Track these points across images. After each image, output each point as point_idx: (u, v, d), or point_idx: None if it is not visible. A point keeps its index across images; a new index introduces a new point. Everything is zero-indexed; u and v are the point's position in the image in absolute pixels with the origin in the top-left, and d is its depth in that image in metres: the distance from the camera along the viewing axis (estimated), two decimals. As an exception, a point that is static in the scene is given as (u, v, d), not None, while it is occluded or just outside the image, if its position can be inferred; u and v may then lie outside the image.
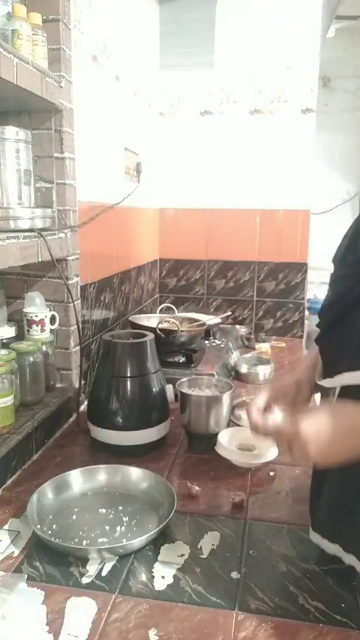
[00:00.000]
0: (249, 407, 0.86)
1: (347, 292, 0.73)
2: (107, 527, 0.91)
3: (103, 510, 0.96)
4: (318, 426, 0.69)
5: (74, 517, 0.94)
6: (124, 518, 0.93)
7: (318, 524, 0.82)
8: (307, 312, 2.35)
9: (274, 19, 2.10)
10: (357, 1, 2.87)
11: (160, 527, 0.87)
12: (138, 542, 0.84)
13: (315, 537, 0.83)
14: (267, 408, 0.87)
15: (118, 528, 0.91)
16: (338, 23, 3.34)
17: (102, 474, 1.06)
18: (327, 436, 0.68)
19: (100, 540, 0.87)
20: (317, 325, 0.81)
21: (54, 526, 0.91)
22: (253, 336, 2.18)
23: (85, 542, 0.87)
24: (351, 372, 0.70)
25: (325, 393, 0.79)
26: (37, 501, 0.94)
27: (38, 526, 0.88)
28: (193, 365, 1.59)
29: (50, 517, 0.94)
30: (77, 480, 1.03)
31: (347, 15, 3.14)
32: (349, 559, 0.76)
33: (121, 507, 0.97)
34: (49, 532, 0.89)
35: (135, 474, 1.04)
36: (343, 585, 0.77)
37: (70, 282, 1.33)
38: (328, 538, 0.80)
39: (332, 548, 0.79)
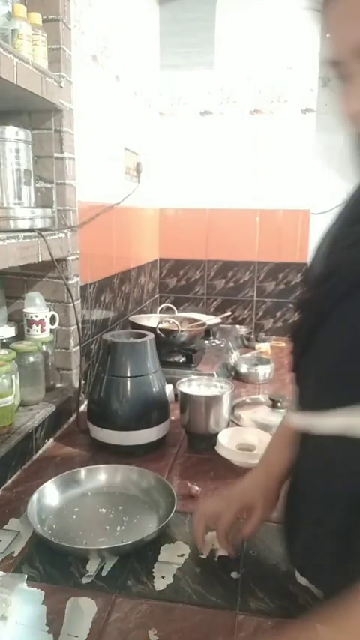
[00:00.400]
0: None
1: (311, 317, 0.64)
2: (107, 527, 0.91)
3: (103, 510, 0.96)
4: None
5: (74, 517, 0.94)
6: (124, 518, 0.93)
7: (300, 566, 0.74)
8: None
9: (274, 19, 2.10)
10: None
11: (160, 527, 0.87)
12: (137, 542, 0.84)
13: (303, 581, 0.75)
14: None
15: (118, 528, 0.91)
16: (338, 23, 3.34)
17: (102, 474, 1.06)
18: None
19: (100, 540, 0.87)
20: (290, 353, 0.72)
21: (54, 526, 0.91)
22: (253, 336, 2.18)
23: (84, 541, 0.87)
24: (310, 413, 0.63)
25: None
26: (37, 501, 0.94)
27: (38, 526, 0.88)
28: (193, 365, 1.59)
29: (50, 517, 0.94)
30: (77, 479, 1.03)
31: (347, 15, 3.13)
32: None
33: (121, 507, 0.97)
34: (50, 532, 0.89)
35: (135, 473, 1.04)
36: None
37: (70, 282, 1.33)
38: (313, 583, 0.72)
39: (320, 593, 0.71)
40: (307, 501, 0.68)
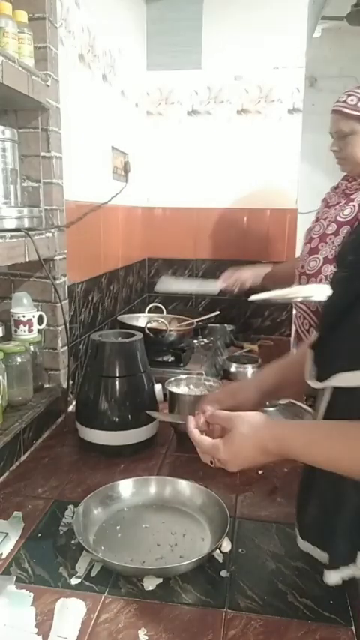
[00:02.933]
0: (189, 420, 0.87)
1: (345, 294, 0.72)
2: (158, 544, 0.87)
3: (147, 525, 0.92)
4: (235, 450, 0.76)
5: (119, 535, 0.90)
6: (172, 533, 0.90)
7: (306, 533, 0.79)
8: (294, 311, 2.36)
9: (261, 19, 2.11)
10: (342, 2, 2.90)
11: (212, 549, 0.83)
12: (198, 560, 0.80)
13: (304, 545, 0.79)
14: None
15: (170, 544, 0.87)
16: (324, 24, 3.37)
17: (152, 486, 1.01)
18: (243, 459, 0.77)
19: (157, 558, 0.83)
20: (317, 329, 0.80)
21: (102, 546, 0.86)
22: (241, 335, 2.18)
23: (131, 559, 0.83)
24: (344, 373, 0.69)
25: (319, 395, 0.79)
26: (82, 513, 0.90)
27: (83, 538, 0.84)
28: (181, 364, 1.59)
29: (96, 529, 0.90)
30: (122, 491, 0.99)
31: (333, 16, 3.16)
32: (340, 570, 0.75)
33: (163, 522, 0.93)
34: (102, 550, 0.85)
35: (187, 488, 1.00)
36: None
37: (57, 281, 1.33)
38: (318, 546, 0.77)
39: (324, 556, 0.76)
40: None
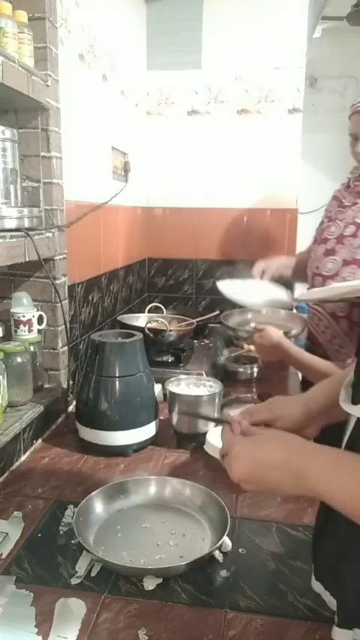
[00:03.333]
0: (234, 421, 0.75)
1: None
2: (159, 544, 0.87)
3: (147, 525, 0.92)
4: (254, 450, 0.65)
5: (119, 535, 0.90)
6: (172, 533, 0.89)
7: (320, 574, 0.72)
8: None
9: (261, 19, 2.11)
10: (342, 2, 2.90)
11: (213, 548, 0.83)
12: (197, 560, 0.80)
13: (316, 586, 0.72)
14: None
15: (170, 544, 0.87)
16: (324, 24, 3.37)
17: (152, 486, 1.01)
18: (252, 461, 0.65)
19: (157, 557, 0.83)
20: (356, 353, 0.70)
21: (103, 546, 0.86)
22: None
23: (131, 559, 0.83)
24: None
25: (348, 422, 0.69)
26: (83, 513, 0.90)
27: (92, 544, 0.85)
28: (181, 364, 1.59)
29: (96, 529, 0.90)
30: (122, 491, 0.99)
31: (333, 15, 3.16)
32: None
33: (163, 522, 0.93)
34: (102, 549, 0.85)
35: (187, 488, 0.99)
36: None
37: (57, 281, 1.33)
38: (330, 592, 0.69)
39: (333, 602, 0.68)
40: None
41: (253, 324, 1.59)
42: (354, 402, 0.65)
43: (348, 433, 0.67)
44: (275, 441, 0.66)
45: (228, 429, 0.73)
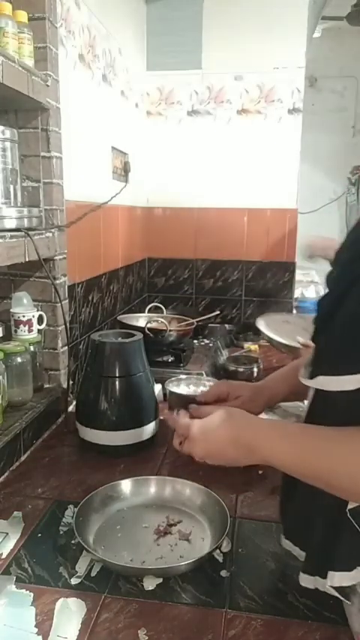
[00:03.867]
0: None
1: (336, 292, 0.70)
2: (158, 544, 0.87)
3: (147, 525, 0.92)
4: (207, 431, 0.76)
5: (119, 535, 0.89)
6: (172, 533, 0.89)
7: (288, 532, 0.78)
8: (294, 311, 2.36)
9: (261, 19, 2.11)
10: (342, 2, 2.90)
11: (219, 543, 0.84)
12: (197, 561, 0.80)
13: (286, 544, 0.78)
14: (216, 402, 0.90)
15: (169, 544, 0.87)
16: (324, 24, 3.37)
17: (152, 486, 1.00)
18: (210, 441, 0.75)
19: (156, 558, 0.83)
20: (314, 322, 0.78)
21: (103, 546, 0.87)
22: (241, 335, 2.18)
23: (131, 559, 0.83)
24: (323, 377, 0.67)
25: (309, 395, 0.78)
26: (82, 514, 0.89)
27: (91, 544, 0.84)
28: (181, 364, 1.59)
29: (96, 528, 0.90)
30: (122, 491, 0.99)
31: (333, 16, 3.16)
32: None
33: (164, 522, 0.92)
34: (102, 549, 0.84)
35: (187, 488, 0.99)
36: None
37: (57, 281, 1.33)
38: (299, 546, 0.76)
39: (302, 554, 0.75)
40: None
41: (300, 339, 1.55)
42: (311, 377, 0.72)
43: (308, 405, 0.75)
44: (226, 420, 0.75)
45: (184, 416, 0.83)
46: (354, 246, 0.70)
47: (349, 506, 0.66)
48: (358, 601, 0.69)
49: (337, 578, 0.68)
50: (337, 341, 0.66)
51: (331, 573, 0.68)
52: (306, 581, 0.72)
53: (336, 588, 0.69)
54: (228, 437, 0.73)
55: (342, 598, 0.70)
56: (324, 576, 0.69)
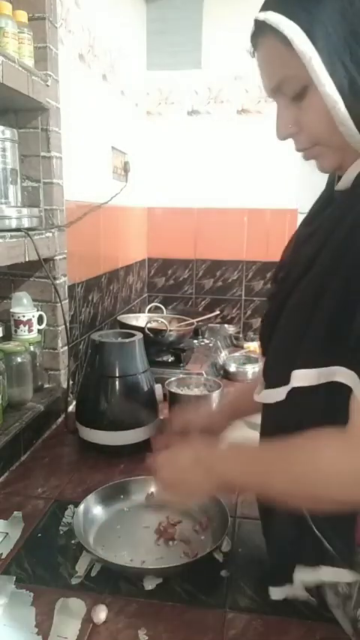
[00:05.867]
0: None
1: (277, 307, 0.73)
2: (159, 544, 0.87)
3: (148, 526, 0.92)
4: (168, 456, 0.80)
5: (119, 535, 0.90)
6: (173, 533, 0.89)
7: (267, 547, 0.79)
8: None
9: (261, 19, 2.11)
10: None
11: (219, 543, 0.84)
12: (190, 563, 0.80)
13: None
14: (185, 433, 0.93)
15: (170, 544, 0.87)
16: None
17: (152, 486, 1.00)
18: (172, 467, 0.78)
19: (157, 558, 0.84)
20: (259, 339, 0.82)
21: (103, 546, 0.87)
22: (241, 335, 2.18)
23: (131, 559, 0.83)
24: (266, 390, 0.70)
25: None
26: (82, 513, 0.90)
27: (91, 544, 0.85)
28: (181, 364, 1.59)
29: (96, 528, 0.90)
30: (122, 491, 0.99)
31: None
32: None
33: (164, 523, 0.92)
34: (101, 548, 0.85)
35: None
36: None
37: (57, 281, 1.33)
38: (273, 559, 0.77)
39: None
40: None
41: None
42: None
43: (260, 420, 0.79)
44: (186, 446, 0.78)
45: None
46: (287, 265, 0.77)
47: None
48: (340, 602, 0.69)
49: (300, 574, 0.69)
50: (274, 353, 0.71)
51: (297, 570, 0.70)
52: (276, 593, 0.72)
53: (307, 590, 0.70)
54: (189, 460, 0.75)
55: (312, 598, 0.71)
56: (291, 581, 0.70)
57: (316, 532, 0.66)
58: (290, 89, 0.65)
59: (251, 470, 0.69)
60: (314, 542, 0.67)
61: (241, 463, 0.71)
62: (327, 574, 0.68)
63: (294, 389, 0.64)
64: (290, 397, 0.65)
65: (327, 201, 0.75)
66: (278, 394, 0.67)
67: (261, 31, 0.66)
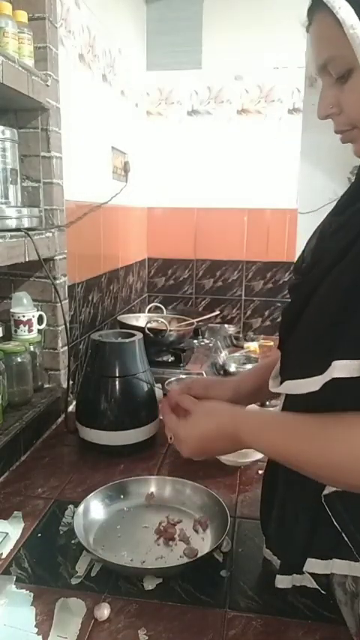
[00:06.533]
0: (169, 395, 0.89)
1: (299, 299, 0.72)
2: (159, 544, 0.87)
3: (147, 526, 0.91)
4: (192, 430, 0.78)
5: (119, 535, 0.89)
6: (174, 533, 0.89)
7: (269, 542, 0.79)
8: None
9: (261, 19, 2.11)
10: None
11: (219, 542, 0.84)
12: (190, 563, 0.80)
13: (267, 553, 0.79)
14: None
15: (170, 544, 0.87)
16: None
17: (152, 486, 1.00)
18: (196, 440, 0.78)
19: (157, 558, 0.83)
20: (279, 331, 0.80)
21: (103, 546, 0.86)
22: (241, 335, 2.18)
23: (131, 559, 0.82)
24: (290, 381, 0.69)
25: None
26: (82, 513, 0.90)
27: (91, 544, 0.84)
28: (181, 364, 1.59)
29: (96, 528, 0.90)
30: (122, 491, 0.99)
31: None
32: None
33: (164, 523, 0.92)
34: (101, 549, 0.85)
35: (187, 488, 0.99)
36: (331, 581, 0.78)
37: (57, 281, 1.33)
38: (278, 548, 0.76)
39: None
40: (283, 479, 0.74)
41: None
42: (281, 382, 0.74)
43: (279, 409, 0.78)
44: (208, 416, 0.77)
45: (167, 406, 0.86)
46: (312, 255, 0.75)
47: (325, 492, 0.67)
48: (348, 599, 0.70)
49: (310, 564, 0.70)
50: (301, 344, 0.69)
51: (308, 561, 0.70)
52: (282, 581, 0.73)
53: (316, 581, 0.71)
54: (213, 430, 0.75)
55: (321, 590, 0.72)
56: (301, 572, 0.71)
57: (335, 523, 0.66)
58: (336, 69, 0.65)
59: (281, 449, 0.68)
60: (330, 534, 0.67)
61: (269, 438, 0.70)
62: (341, 567, 0.68)
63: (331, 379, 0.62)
64: (324, 387, 0.63)
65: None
66: (311, 384, 0.64)
67: (317, 6, 0.65)
